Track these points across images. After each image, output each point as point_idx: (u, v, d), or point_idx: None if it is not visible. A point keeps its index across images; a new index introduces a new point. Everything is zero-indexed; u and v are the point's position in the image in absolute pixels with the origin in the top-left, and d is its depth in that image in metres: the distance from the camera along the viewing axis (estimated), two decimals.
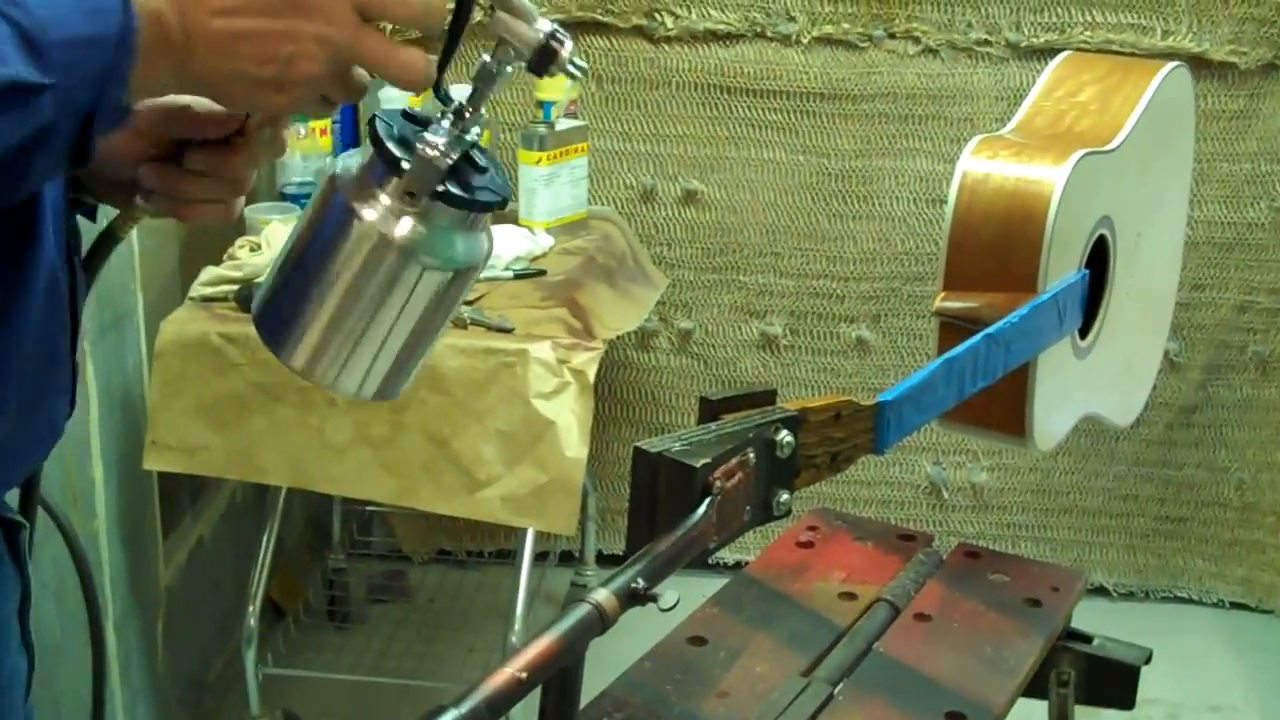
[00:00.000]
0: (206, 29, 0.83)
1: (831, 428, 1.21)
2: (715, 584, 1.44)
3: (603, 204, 2.81)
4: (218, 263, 2.21)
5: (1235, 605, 3.01)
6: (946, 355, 1.36)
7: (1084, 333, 1.63)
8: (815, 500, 2.54)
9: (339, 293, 0.90)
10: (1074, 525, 3.01)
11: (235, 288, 2.14)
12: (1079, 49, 2.54)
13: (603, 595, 0.92)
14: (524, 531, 2.19)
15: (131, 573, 2.16)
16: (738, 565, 2.70)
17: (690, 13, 2.75)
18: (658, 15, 2.75)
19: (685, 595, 0.99)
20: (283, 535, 2.47)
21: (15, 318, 0.93)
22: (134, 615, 2.18)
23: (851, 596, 1.42)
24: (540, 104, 2.53)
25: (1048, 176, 1.50)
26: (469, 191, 0.89)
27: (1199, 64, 2.65)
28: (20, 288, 0.93)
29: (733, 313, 2.93)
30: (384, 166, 0.88)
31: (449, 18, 0.89)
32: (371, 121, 0.91)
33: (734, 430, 1.10)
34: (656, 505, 1.04)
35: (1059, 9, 2.71)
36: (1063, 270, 1.53)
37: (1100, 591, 2.99)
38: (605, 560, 2.98)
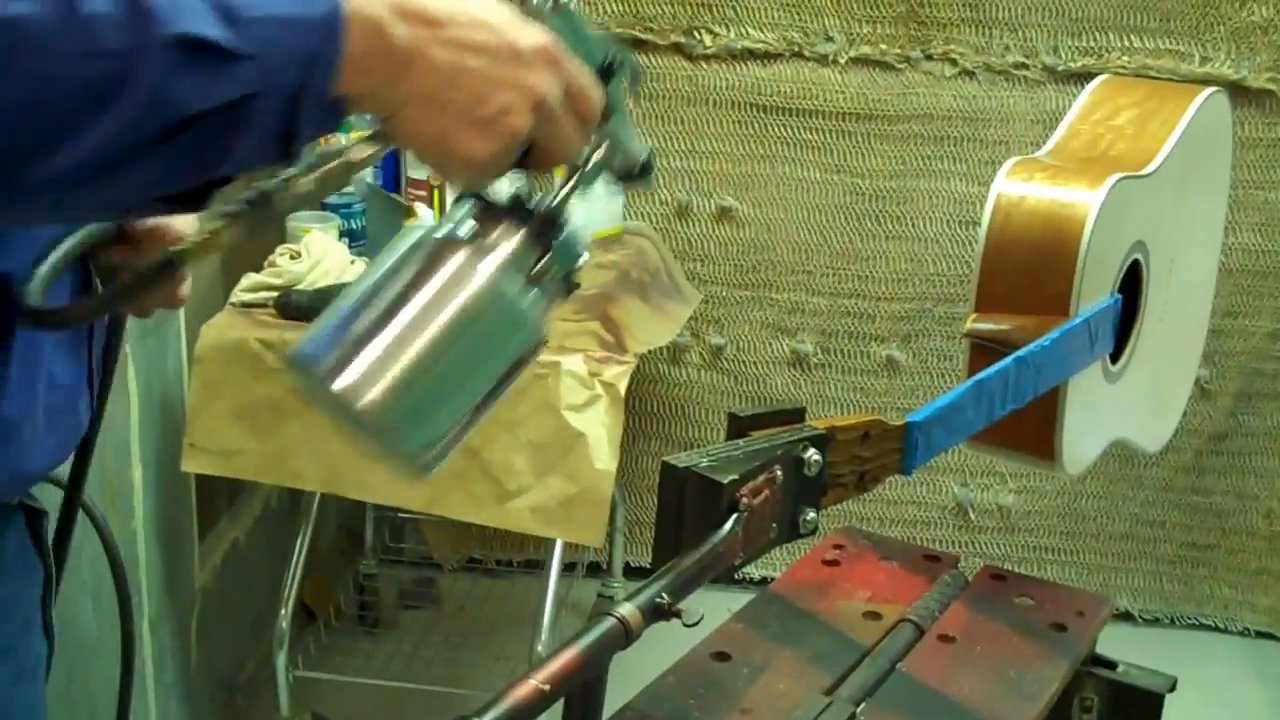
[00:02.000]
0: (433, 55, 0.82)
1: (859, 447, 1.21)
2: (740, 599, 1.44)
3: (638, 219, 2.83)
4: (259, 269, 2.23)
5: (1261, 634, 3.00)
6: (976, 377, 1.36)
7: (1115, 357, 1.63)
8: (842, 519, 2.54)
9: (451, 351, 0.87)
10: (1100, 550, 3.00)
11: (275, 294, 2.17)
12: (1116, 74, 2.54)
13: (627, 609, 0.92)
14: (552, 542, 2.21)
15: (167, 573, 2.18)
16: (763, 581, 2.70)
17: (729, 32, 2.76)
18: (696, 33, 2.77)
19: (709, 610, 0.99)
20: (316, 539, 2.49)
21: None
22: (169, 615, 2.20)
23: (876, 616, 1.42)
24: None
25: (1083, 200, 1.50)
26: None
27: (1237, 91, 2.65)
28: (14, 274, 0.94)
29: (764, 330, 2.94)
30: (525, 240, 0.89)
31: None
32: (512, 202, 0.91)
33: (762, 447, 1.10)
34: (683, 520, 1.04)
35: (1097, 33, 2.71)
36: (1095, 294, 1.53)
37: (1125, 617, 2.99)
38: (632, 572, 2.99)
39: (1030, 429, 1.53)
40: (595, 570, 3.01)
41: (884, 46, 2.75)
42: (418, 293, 0.86)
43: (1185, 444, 2.87)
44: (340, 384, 0.86)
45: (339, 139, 0.96)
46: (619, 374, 2.07)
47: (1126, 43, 2.71)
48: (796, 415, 1.18)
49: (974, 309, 1.53)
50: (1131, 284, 1.62)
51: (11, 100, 0.70)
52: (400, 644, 2.78)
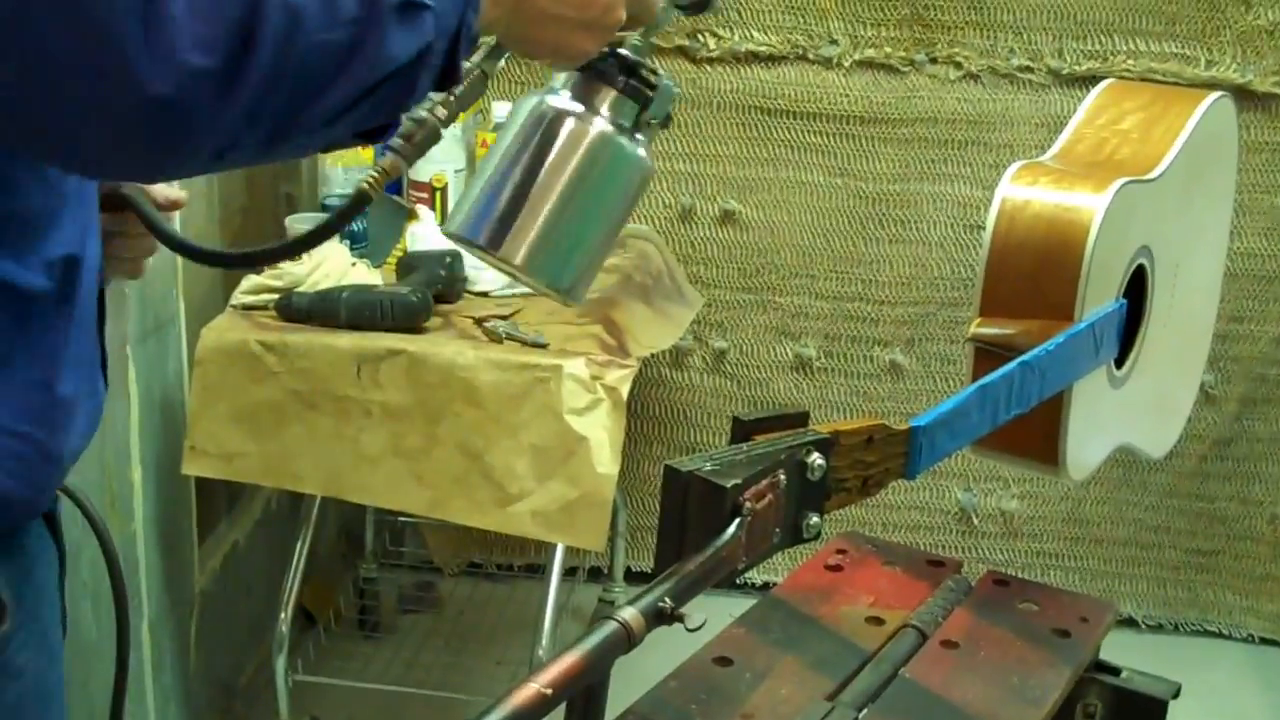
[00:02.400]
0: None
1: (863, 451, 1.21)
2: (742, 604, 1.44)
3: (641, 222, 2.82)
4: (259, 271, 2.23)
5: (1265, 641, 2.99)
6: (981, 382, 1.36)
7: (1120, 362, 1.62)
8: (845, 523, 2.53)
9: (576, 194, 1.05)
10: (1104, 555, 2.99)
11: (276, 296, 2.16)
12: (1121, 77, 2.54)
13: (629, 614, 0.92)
14: (554, 546, 2.20)
15: (167, 575, 2.17)
16: (765, 586, 2.70)
17: (733, 34, 2.76)
18: (700, 36, 2.76)
19: (712, 615, 0.99)
20: (316, 543, 2.48)
21: (83, 280, 1.02)
22: (168, 617, 2.19)
23: (879, 621, 1.41)
24: None
25: (1088, 204, 1.50)
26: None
27: (1243, 95, 2.64)
28: (85, 254, 1.03)
29: (767, 333, 2.93)
30: (627, 96, 1.07)
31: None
32: (617, 62, 1.07)
33: (765, 451, 1.10)
34: (686, 524, 1.04)
35: (1102, 37, 2.71)
36: (1100, 299, 1.52)
37: (1129, 623, 2.98)
38: (633, 577, 2.98)
39: (1034, 434, 1.52)
40: (596, 575, 3.01)
41: (888, 50, 2.74)
42: (546, 159, 1.05)
43: (1190, 449, 2.87)
44: (502, 251, 1.05)
45: None
46: (621, 377, 2.07)
47: (1132, 46, 2.70)
48: (800, 419, 1.18)
49: (978, 313, 1.53)
50: (1136, 289, 1.62)
51: (293, 64, 0.85)
52: (400, 648, 2.77)
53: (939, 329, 2.88)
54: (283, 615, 2.26)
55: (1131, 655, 1.50)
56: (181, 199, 1.23)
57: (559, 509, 2.05)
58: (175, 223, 1.19)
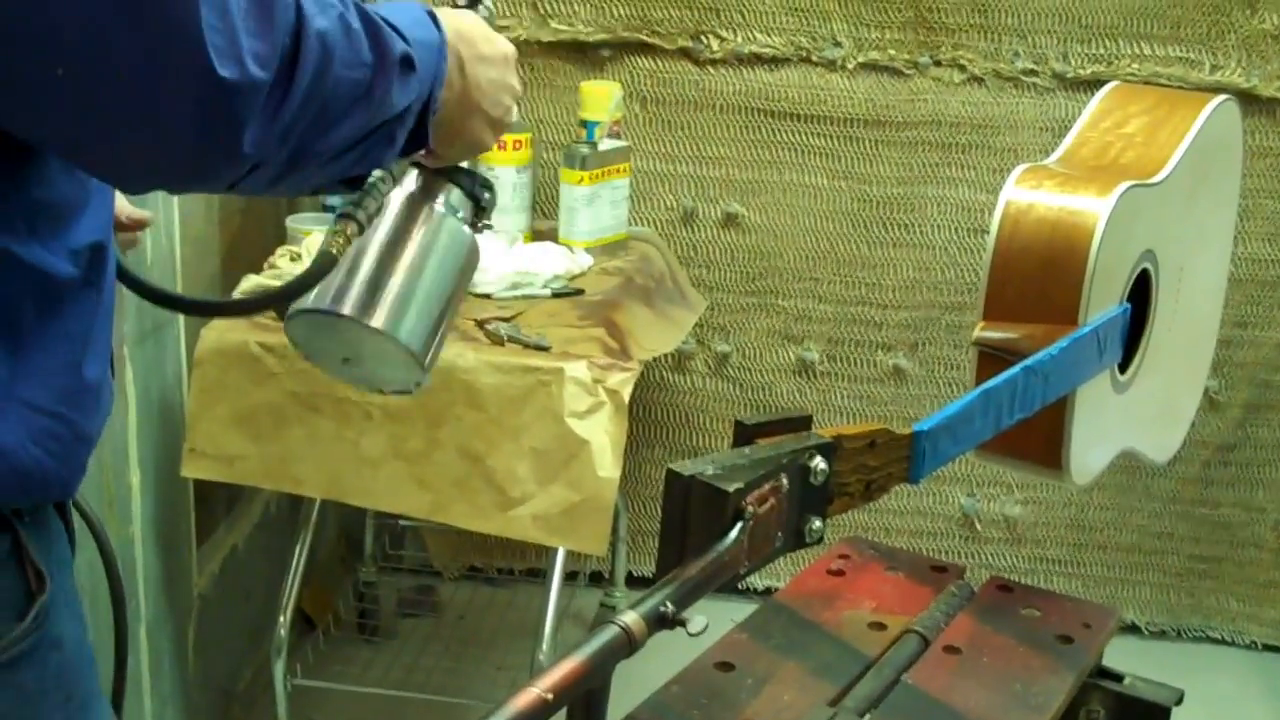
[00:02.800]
0: (475, 73, 1.08)
1: (866, 456, 1.21)
2: (744, 609, 1.43)
3: (643, 225, 2.82)
4: (258, 271, 2.22)
5: (1269, 647, 2.98)
6: (984, 386, 1.35)
7: (1124, 367, 1.62)
8: (847, 528, 2.53)
9: (432, 275, 1.14)
10: (1107, 561, 2.98)
11: None
12: (1126, 81, 2.53)
13: (631, 618, 0.91)
14: (554, 550, 2.19)
15: (165, 579, 2.16)
16: (767, 591, 2.69)
17: (736, 36, 2.75)
18: (704, 38, 2.76)
19: (714, 620, 0.99)
20: (315, 547, 2.48)
21: (107, 268, 1.06)
22: (166, 621, 2.18)
23: (881, 627, 1.41)
24: (584, 124, 2.54)
25: (1092, 208, 1.49)
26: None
27: (1248, 100, 2.63)
28: (108, 243, 1.07)
29: (770, 337, 2.92)
30: (472, 205, 1.19)
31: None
32: (466, 175, 1.18)
33: (768, 455, 1.10)
34: (688, 528, 1.04)
35: (1107, 40, 2.70)
36: (1104, 303, 1.51)
37: (1132, 629, 2.97)
38: (635, 582, 2.97)
39: (1038, 439, 1.52)
40: (597, 579, 3.00)
41: (892, 52, 2.74)
42: (406, 239, 1.13)
43: (1193, 455, 2.86)
44: (376, 321, 1.10)
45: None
46: (623, 381, 2.06)
47: (1136, 50, 2.69)
48: (803, 423, 1.18)
49: (982, 317, 1.52)
50: (1141, 293, 1.61)
51: (322, 92, 0.91)
52: (400, 653, 2.76)
53: (942, 333, 2.87)
54: (281, 619, 2.25)
55: (1134, 661, 1.50)
56: (147, 218, 1.29)
57: (560, 513, 2.04)
58: (147, 241, 1.25)
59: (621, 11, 2.76)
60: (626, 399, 2.05)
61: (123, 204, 1.24)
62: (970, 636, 1.40)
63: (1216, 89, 2.48)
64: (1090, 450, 1.58)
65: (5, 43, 0.83)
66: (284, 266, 2.20)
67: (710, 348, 2.93)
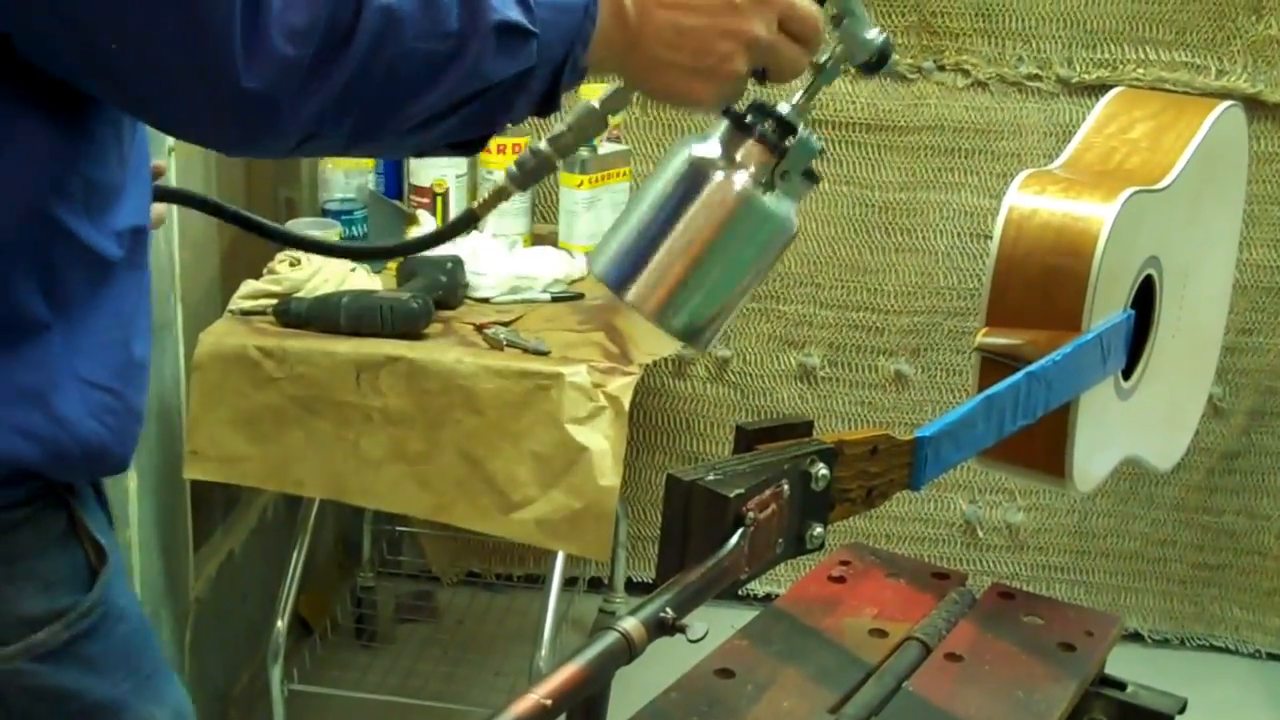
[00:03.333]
0: (656, 20, 1.02)
1: (868, 462, 1.20)
2: (744, 616, 1.42)
3: None
4: (257, 276, 2.21)
5: (1272, 656, 2.97)
6: (987, 392, 1.34)
7: (1127, 374, 1.61)
8: (849, 535, 2.52)
9: (709, 248, 1.07)
10: (1110, 569, 2.98)
11: (274, 301, 2.15)
12: (1131, 86, 2.52)
13: (631, 624, 0.91)
14: (553, 556, 2.18)
15: (162, 582, 2.16)
16: (768, 597, 2.68)
17: None
18: None
19: (714, 626, 0.98)
20: (313, 552, 2.47)
21: (147, 250, 1.12)
22: (163, 624, 2.18)
23: (882, 634, 1.40)
24: None
25: (1096, 214, 1.48)
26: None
27: (1253, 105, 2.62)
28: (147, 227, 1.11)
29: (771, 342, 2.91)
30: (765, 148, 1.07)
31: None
32: (746, 113, 1.08)
33: (769, 461, 1.09)
34: (688, 534, 1.03)
35: (1112, 45, 2.69)
36: (1108, 309, 1.51)
37: (1135, 637, 2.96)
38: (634, 587, 2.96)
39: (1041, 445, 1.51)
40: (596, 585, 2.99)
41: (895, 56, 2.73)
42: (684, 210, 1.06)
43: (1197, 462, 2.85)
44: (632, 297, 1.07)
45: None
46: (623, 386, 2.05)
47: (1141, 55, 2.68)
48: (804, 429, 1.17)
49: (985, 323, 1.52)
50: (1145, 300, 1.60)
51: (384, 65, 0.91)
52: (397, 658, 2.75)
53: (945, 339, 2.86)
54: (279, 624, 2.24)
55: (1137, 670, 1.49)
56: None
57: (562, 518, 2.03)
58: (159, 236, 1.26)
59: None
60: (627, 404, 2.04)
61: None
62: (972, 644, 1.39)
63: (1222, 94, 2.48)
64: (1093, 457, 1.57)
65: (69, 17, 0.88)
66: (283, 272, 2.19)
67: (711, 353, 2.92)
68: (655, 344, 2.32)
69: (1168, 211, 1.61)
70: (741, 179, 1.07)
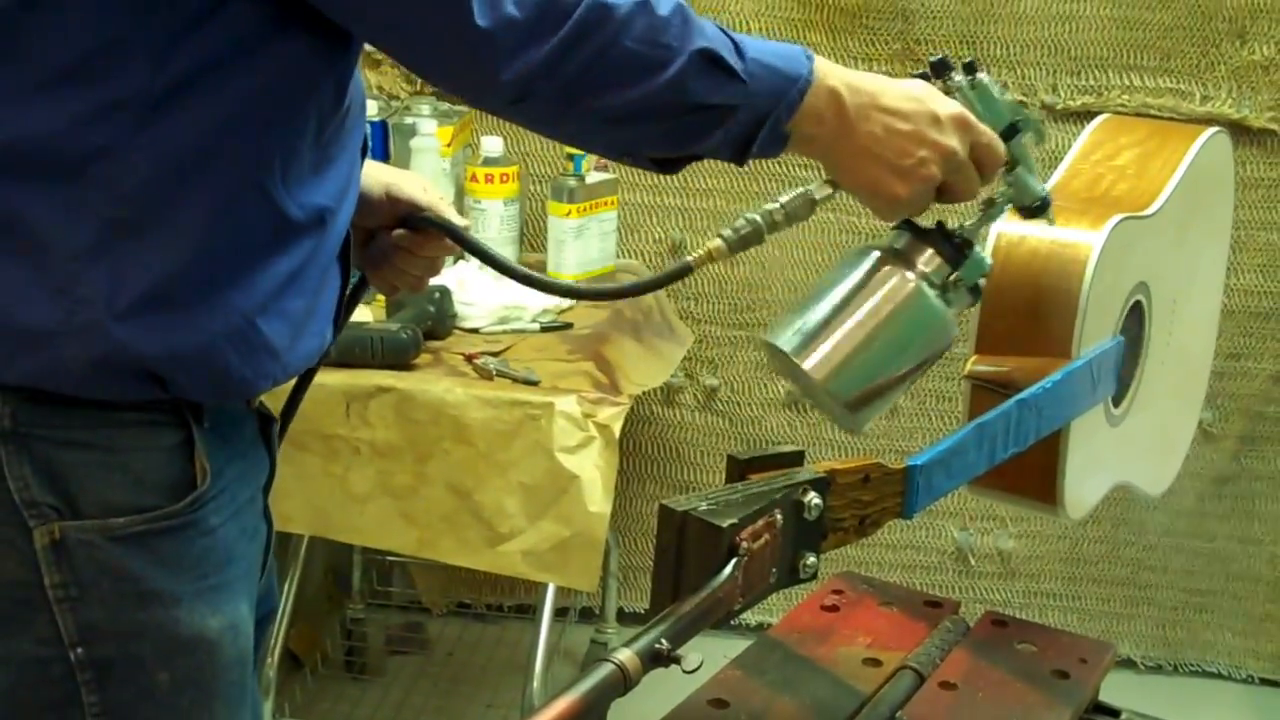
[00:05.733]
0: (871, 120, 1.15)
1: (860, 490, 1.20)
2: (737, 645, 1.42)
3: (631, 258, 2.81)
4: None
5: (1265, 681, 2.96)
6: (978, 420, 1.34)
7: (1117, 400, 1.61)
8: (841, 564, 2.51)
9: (883, 337, 1.20)
10: (1102, 595, 2.97)
11: None
12: (1116, 112, 2.53)
13: (626, 655, 0.91)
14: (544, 586, 2.17)
15: None
16: (760, 627, 2.67)
17: None
18: None
19: (707, 656, 0.97)
20: (302, 584, 2.45)
21: (329, 233, 1.17)
22: None
23: (876, 663, 1.39)
24: (570, 156, 2.54)
25: (1084, 240, 1.48)
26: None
27: (1238, 130, 2.63)
28: (339, 211, 1.18)
29: (759, 370, 2.91)
30: (943, 258, 1.22)
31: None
32: (939, 229, 1.22)
33: (762, 491, 1.09)
34: (682, 565, 1.03)
35: (1096, 72, 2.70)
36: (1097, 336, 1.51)
37: (1128, 664, 2.95)
38: (626, 618, 2.95)
39: (1032, 472, 1.51)
40: (588, 615, 2.98)
41: None
42: (865, 299, 1.19)
43: (1188, 488, 2.85)
44: (807, 364, 1.18)
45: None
46: (613, 415, 2.05)
47: (1126, 81, 2.70)
48: (796, 458, 1.17)
49: (974, 350, 1.52)
50: (1134, 325, 1.60)
51: (593, 50, 1.05)
52: (388, 690, 2.74)
53: (933, 367, 2.85)
54: (269, 659, 2.23)
55: (1131, 696, 1.48)
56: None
57: (550, 549, 2.02)
58: None
59: None
60: (617, 433, 2.04)
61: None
62: (966, 672, 1.39)
63: (1207, 120, 2.49)
64: (1085, 483, 1.57)
65: None
66: None
67: (699, 381, 2.92)
68: (644, 375, 2.32)
69: (1155, 238, 1.61)
70: (919, 278, 1.20)
